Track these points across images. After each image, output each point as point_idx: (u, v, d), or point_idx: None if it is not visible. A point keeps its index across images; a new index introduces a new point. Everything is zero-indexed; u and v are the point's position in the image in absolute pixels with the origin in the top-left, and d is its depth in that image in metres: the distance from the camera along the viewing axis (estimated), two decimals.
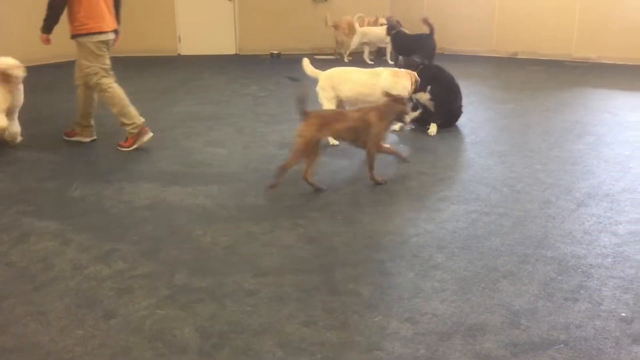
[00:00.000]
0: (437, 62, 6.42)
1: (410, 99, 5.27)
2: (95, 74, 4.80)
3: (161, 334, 2.33)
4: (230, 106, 6.82)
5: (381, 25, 10.19)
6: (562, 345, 2.24)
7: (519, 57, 10.92)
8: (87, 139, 5.19)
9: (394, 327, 2.37)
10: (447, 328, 2.36)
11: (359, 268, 2.87)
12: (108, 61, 4.90)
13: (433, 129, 5.48)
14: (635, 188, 3.92)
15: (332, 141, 5.01)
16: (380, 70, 5.12)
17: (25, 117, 5.21)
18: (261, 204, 3.77)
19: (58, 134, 5.30)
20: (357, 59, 10.25)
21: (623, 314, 2.45)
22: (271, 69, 9.99)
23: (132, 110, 4.87)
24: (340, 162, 4.54)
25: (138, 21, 11.14)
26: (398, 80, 4.95)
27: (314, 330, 2.36)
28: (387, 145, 4.27)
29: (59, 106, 6.46)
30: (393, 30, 9.21)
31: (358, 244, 3.15)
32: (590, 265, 2.87)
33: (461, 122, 5.75)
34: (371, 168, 4.06)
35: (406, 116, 4.32)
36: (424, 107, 5.56)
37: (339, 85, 4.98)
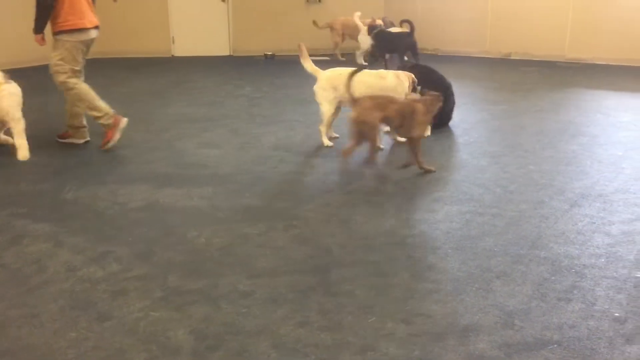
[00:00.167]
0: (429, 63, 6.42)
1: None
2: (64, 72, 4.80)
3: (155, 336, 2.33)
4: (224, 107, 6.82)
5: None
6: (555, 346, 2.25)
7: (512, 58, 10.94)
8: (81, 141, 5.17)
9: (389, 328, 2.37)
10: (441, 329, 2.36)
11: (354, 269, 2.87)
12: (81, 65, 4.91)
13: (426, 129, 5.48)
14: (628, 188, 3.94)
15: (327, 142, 5.01)
16: (385, 72, 5.12)
17: None
18: (255, 205, 3.77)
19: (51, 136, 5.28)
20: (349, 60, 10.24)
21: (616, 314, 2.46)
22: (265, 70, 9.99)
23: (101, 103, 4.89)
24: (333, 164, 4.54)
25: (132, 22, 11.16)
26: (400, 82, 4.95)
27: (308, 331, 2.36)
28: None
29: (51, 108, 6.43)
30: (374, 29, 9.33)
31: (352, 245, 3.16)
32: (584, 265, 2.88)
33: (454, 122, 5.76)
34: (418, 156, 4.22)
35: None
36: None
37: (342, 86, 4.63)
